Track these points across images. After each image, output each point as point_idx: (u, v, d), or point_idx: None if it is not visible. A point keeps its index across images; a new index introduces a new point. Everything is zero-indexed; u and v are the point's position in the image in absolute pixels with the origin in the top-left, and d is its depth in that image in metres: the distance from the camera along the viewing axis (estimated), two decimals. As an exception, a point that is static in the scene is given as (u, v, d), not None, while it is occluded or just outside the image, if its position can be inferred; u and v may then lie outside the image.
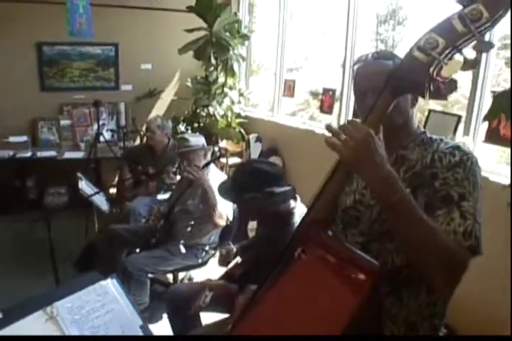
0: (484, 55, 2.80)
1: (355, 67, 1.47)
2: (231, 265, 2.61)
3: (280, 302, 1.17)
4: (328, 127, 1.17)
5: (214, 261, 3.39)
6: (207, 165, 3.18)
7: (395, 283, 1.37)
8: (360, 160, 1.12)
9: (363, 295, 1.09)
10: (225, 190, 2.34)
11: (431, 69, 1.13)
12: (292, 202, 2.33)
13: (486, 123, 2.83)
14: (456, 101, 3.70)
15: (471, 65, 1.14)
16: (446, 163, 1.32)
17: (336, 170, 1.26)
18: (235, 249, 2.66)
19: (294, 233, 1.35)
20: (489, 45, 1.12)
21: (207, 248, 3.39)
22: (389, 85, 1.20)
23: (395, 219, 1.19)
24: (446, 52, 1.11)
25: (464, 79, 3.11)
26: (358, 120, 1.18)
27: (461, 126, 3.08)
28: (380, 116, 1.21)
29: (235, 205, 2.37)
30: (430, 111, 3.30)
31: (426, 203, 1.29)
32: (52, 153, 5.56)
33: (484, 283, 2.27)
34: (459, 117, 3.08)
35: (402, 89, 1.21)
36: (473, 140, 3.04)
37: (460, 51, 1.12)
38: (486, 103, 2.97)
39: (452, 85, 1.19)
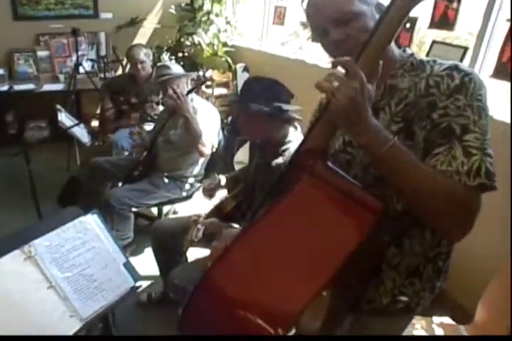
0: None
1: (304, 4, 1.24)
2: (222, 198, 2.50)
3: (272, 234, 1.07)
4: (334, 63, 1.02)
5: (199, 195, 3.32)
6: (191, 91, 3.01)
7: (396, 232, 1.25)
8: (348, 111, 0.99)
9: (364, 231, 0.99)
10: (234, 99, 2.20)
11: None
12: (292, 131, 2.19)
13: (495, 57, 2.62)
14: (457, 37, 3.45)
15: None
16: (444, 89, 1.13)
17: None
18: (222, 180, 2.54)
19: (289, 162, 1.23)
20: None
21: (192, 180, 3.30)
22: None
23: (389, 171, 1.08)
24: None
25: (469, 12, 2.91)
26: (351, 60, 1.01)
27: (466, 60, 2.86)
28: (390, 35, 1.05)
29: (240, 119, 2.21)
30: (433, 42, 3.05)
31: (425, 139, 1.14)
32: (30, 86, 5.32)
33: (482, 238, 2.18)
34: (466, 49, 2.83)
35: None
36: (480, 74, 2.81)
37: None
38: (498, 34, 2.74)
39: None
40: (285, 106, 2.06)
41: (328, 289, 0.96)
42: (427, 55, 3.04)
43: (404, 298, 1.30)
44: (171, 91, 3.05)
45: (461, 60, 2.83)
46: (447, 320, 2.09)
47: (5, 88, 5.19)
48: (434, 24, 3.03)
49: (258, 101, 2.03)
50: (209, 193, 2.52)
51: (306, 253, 1.01)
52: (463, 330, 2.00)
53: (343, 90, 0.98)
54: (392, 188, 1.16)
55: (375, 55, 1.06)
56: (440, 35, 3.22)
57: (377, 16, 1.16)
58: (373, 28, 1.07)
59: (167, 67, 3.18)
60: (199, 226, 2.24)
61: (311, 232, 1.03)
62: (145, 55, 4.17)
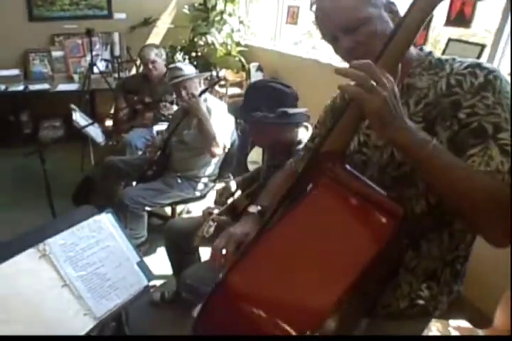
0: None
1: (313, 8, 1.20)
2: (235, 198, 2.48)
3: (289, 238, 1.03)
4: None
5: (213, 194, 3.31)
6: (204, 91, 3.01)
7: (414, 235, 1.20)
8: (383, 113, 0.93)
9: (384, 236, 0.95)
10: (238, 109, 2.17)
11: None
12: (304, 132, 2.16)
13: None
14: (473, 34, 3.36)
15: None
16: (468, 87, 1.08)
17: None
18: (233, 185, 2.52)
19: (306, 165, 1.19)
20: None
21: (206, 180, 3.30)
22: None
23: (430, 172, 1.01)
24: None
25: (485, 9, 2.86)
26: (370, 63, 0.95)
27: (483, 58, 2.78)
28: (410, 39, 1.00)
29: (247, 128, 2.18)
30: (449, 40, 2.97)
31: (450, 140, 1.09)
32: (45, 86, 5.38)
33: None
34: (483, 47, 2.76)
35: None
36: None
37: None
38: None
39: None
40: (291, 110, 2.02)
41: (348, 295, 0.93)
42: (443, 53, 2.97)
43: (421, 302, 1.27)
44: (184, 93, 3.06)
45: (479, 57, 2.76)
46: (464, 323, 2.05)
47: (20, 88, 5.27)
48: (451, 21, 2.96)
49: (260, 109, 2.00)
50: (221, 201, 2.51)
51: (326, 258, 0.97)
52: (481, 334, 1.96)
53: (378, 91, 0.93)
54: (432, 189, 1.12)
55: (394, 61, 1.01)
56: (455, 33, 3.14)
57: (387, 17, 1.14)
58: (392, 32, 1.02)
59: (179, 69, 3.17)
60: (211, 222, 2.19)
61: (330, 237, 0.99)
62: (156, 55, 4.17)
